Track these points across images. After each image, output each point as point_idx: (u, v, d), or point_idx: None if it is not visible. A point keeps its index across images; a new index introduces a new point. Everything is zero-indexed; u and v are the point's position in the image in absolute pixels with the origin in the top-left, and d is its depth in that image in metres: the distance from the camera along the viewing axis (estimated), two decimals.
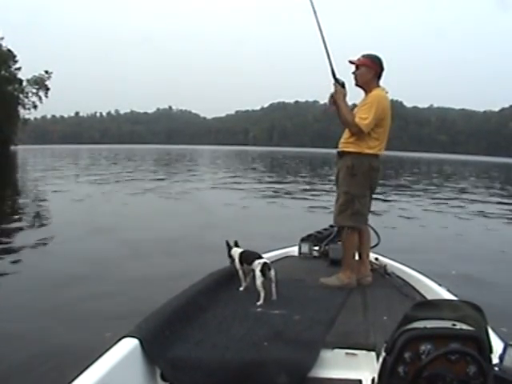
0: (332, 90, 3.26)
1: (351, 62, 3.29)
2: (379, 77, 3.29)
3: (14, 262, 5.60)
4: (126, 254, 6.06)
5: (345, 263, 3.29)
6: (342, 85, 3.26)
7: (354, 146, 3.23)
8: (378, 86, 3.28)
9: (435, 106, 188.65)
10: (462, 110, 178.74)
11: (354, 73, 3.31)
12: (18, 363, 2.95)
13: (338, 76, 3.25)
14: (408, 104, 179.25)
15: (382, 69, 3.28)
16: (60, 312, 3.88)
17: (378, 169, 3.30)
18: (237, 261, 2.95)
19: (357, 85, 3.33)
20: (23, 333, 3.41)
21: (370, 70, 3.25)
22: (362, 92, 3.36)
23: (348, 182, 3.26)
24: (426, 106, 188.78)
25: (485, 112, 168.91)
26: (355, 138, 3.21)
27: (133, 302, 4.02)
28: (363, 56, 3.28)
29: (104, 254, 6.02)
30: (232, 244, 3.10)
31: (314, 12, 3.27)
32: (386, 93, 3.30)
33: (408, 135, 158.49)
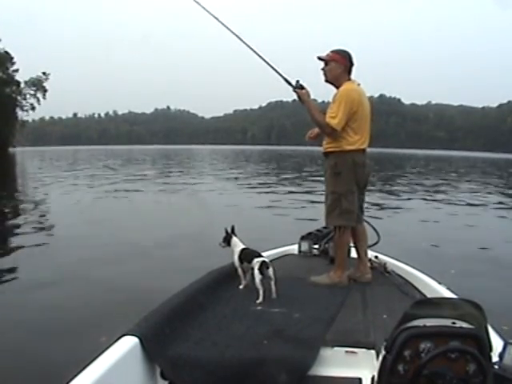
0: (295, 96, 3.25)
1: (320, 59, 3.26)
2: (349, 71, 3.26)
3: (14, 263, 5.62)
4: None
5: (337, 262, 3.29)
6: (301, 86, 3.24)
7: (335, 146, 3.21)
8: (349, 79, 3.24)
9: (433, 102, 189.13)
10: (460, 106, 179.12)
11: (323, 69, 3.27)
12: (18, 363, 2.97)
13: (291, 81, 3.25)
14: (406, 101, 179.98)
15: (351, 63, 3.25)
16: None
17: (364, 164, 3.25)
18: (236, 259, 2.95)
19: (326, 81, 3.29)
20: (22, 334, 3.41)
21: (339, 64, 3.22)
22: (333, 89, 3.30)
23: (333, 181, 3.25)
24: (423, 102, 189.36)
25: (483, 108, 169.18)
26: (333, 137, 3.20)
27: None
28: (332, 51, 3.25)
29: None
30: (229, 231, 3.08)
31: (238, 37, 3.35)
32: (358, 85, 3.26)
33: (406, 132, 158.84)
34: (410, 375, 1.34)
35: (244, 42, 3.36)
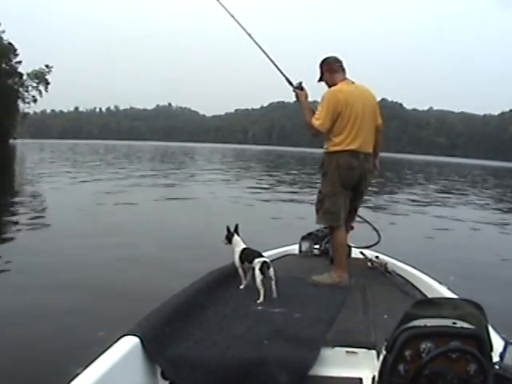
0: (293, 96, 3.34)
1: (320, 80, 3.38)
2: (343, 71, 3.32)
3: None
4: None
5: (335, 262, 3.32)
6: (301, 87, 3.32)
7: (325, 146, 3.30)
8: (344, 79, 3.29)
9: (435, 108, 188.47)
10: (462, 113, 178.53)
11: (326, 83, 3.36)
12: (15, 362, 2.95)
13: (292, 81, 3.34)
14: (408, 106, 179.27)
15: (334, 64, 3.31)
16: None
17: (351, 166, 3.21)
18: (237, 258, 2.96)
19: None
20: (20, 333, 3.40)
21: (326, 74, 3.33)
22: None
23: (321, 181, 3.35)
24: (425, 108, 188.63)
25: (484, 115, 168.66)
26: (324, 137, 3.27)
27: None
28: (319, 65, 3.37)
29: None
30: (232, 229, 3.09)
31: (249, 35, 3.46)
32: (352, 83, 3.29)
33: (407, 137, 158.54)
34: (411, 375, 1.36)
35: (251, 37, 3.45)
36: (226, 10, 3.59)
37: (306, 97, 3.33)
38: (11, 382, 2.74)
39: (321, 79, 3.38)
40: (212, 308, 2.54)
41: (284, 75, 3.37)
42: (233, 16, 3.55)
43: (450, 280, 4.94)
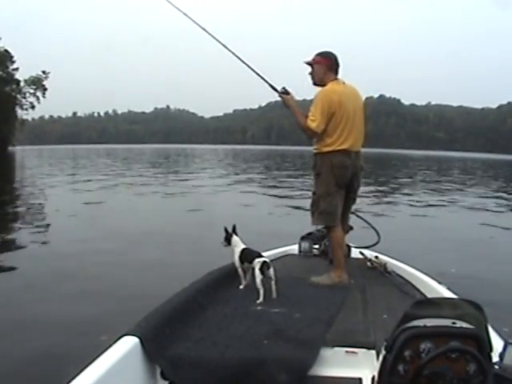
0: (280, 100, 3.31)
1: (307, 63, 3.32)
2: (336, 72, 3.29)
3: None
4: None
5: (334, 262, 3.31)
6: (286, 92, 3.29)
7: (316, 147, 3.29)
8: (335, 79, 3.26)
9: (433, 103, 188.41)
10: (460, 107, 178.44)
11: (310, 73, 3.33)
12: (15, 363, 2.96)
13: (276, 86, 3.31)
14: (405, 101, 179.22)
15: (335, 63, 3.28)
16: None
17: (344, 165, 3.21)
18: (236, 258, 2.95)
19: (314, 84, 3.33)
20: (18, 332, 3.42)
21: (321, 66, 3.27)
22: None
23: (315, 182, 3.34)
24: (423, 103, 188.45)
25: (483, 109, 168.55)
26: (315, 138, 3.26)
27: None
28: (315, 54, 3.31)
29: None
30: (230, 230, 3.07)
31: (224, 46, 3.42)
32: (343, 83, 3.27)
33: (405, 133, 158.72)
34: (411, 375, 1.35)
35: (232, 52, 3.39)
36: (197, 23, 3.48)
37: (293, 100, 3.31)
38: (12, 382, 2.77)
39: (312, 68, 3.32)
40: (212, 308, 2.55)
41: (267, 82, 3.33)
42: (204, 29, 3.44)
43: (452, 272, 4.98)
